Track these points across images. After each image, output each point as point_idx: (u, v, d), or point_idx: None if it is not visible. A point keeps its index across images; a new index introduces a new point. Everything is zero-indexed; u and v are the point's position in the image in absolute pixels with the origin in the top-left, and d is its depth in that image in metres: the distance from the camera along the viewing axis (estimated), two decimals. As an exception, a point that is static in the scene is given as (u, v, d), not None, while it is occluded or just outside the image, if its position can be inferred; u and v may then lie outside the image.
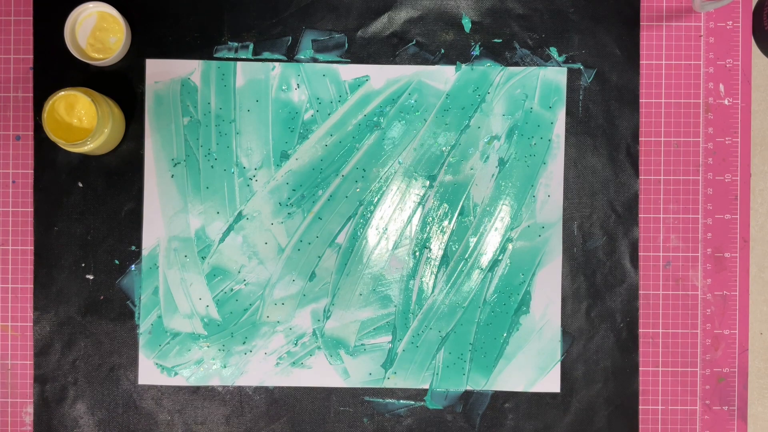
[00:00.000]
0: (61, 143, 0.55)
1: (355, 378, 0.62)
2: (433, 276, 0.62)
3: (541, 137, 0.62)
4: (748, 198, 0.62)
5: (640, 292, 0.62)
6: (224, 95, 0.61)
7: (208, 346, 0.61)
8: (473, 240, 0.62)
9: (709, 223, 0.62)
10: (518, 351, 0.62)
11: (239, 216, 0.61)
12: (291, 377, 0.61)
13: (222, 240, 0.61)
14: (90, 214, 0.61)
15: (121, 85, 0.61)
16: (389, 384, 0.62)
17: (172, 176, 0.61)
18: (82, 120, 0.56)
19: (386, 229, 0.62)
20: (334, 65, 0.62)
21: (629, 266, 0.62)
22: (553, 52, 0.62)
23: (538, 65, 0.62)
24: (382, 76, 0.62)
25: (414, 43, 0.62)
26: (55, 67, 0.61)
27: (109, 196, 0.61)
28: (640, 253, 0.62)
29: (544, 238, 0.62)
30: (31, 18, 0.61)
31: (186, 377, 0.61)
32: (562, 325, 0.62)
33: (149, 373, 0.61)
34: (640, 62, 0.62)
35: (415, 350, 0.62)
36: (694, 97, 0.62)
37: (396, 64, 0.62)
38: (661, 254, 0.62)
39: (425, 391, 0.62)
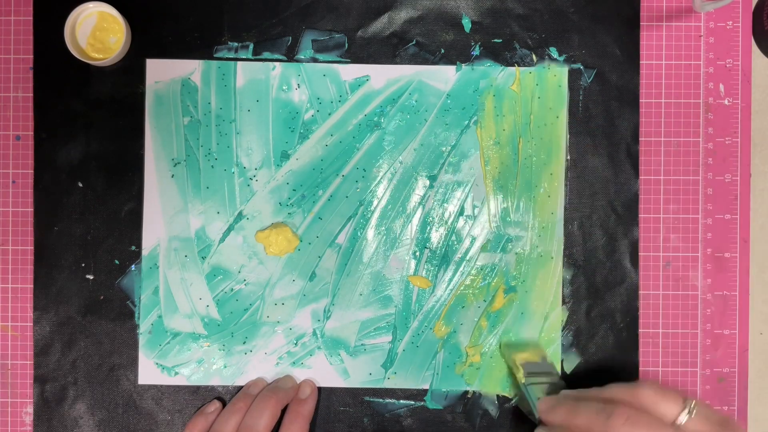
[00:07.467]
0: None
1: (355, 378, 0.62)
2: (434, 276, 0.62)
3: (542, 137, 0.62)
4: (748, 198, 0.62)
5: (640, 292, 0.62)
6: (224, 95, 0.61)
7: (208, 346, 0.61)
8: (473, 240, 0.62)
9: (709, 223, 0.62)
10: (518, 351, 0.62)
11: (239, 216, 0.61)
12: (291, 377, 0.61)
13: (222, 240, 0.61)
14: (90, 214, 0.61)
15: (121, 85, 0.61)
16: (389, 384, 0.62)
17: (173, 176, 0.61)
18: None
19: (386, 229, 0.62)
20: (335, 65, 0.62)
21: (629, 266, 0.62)
22: (553, 52, 0.62)
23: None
24: (382, 76, 0.62)
25: (414, 43, 0.62)
26: (55, 67, 0.61)
27: (109, 196, 0.61)
28: (640, 253, 0.62)
29: (544, 238, 0.62)
30: (31, 18, 0.61)
31: (186, 377, 0.61)
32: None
33: (149, 372, 0.61)
34: (640, 62, 0.62)
35: (415, 350, 0.62)
36: (694, 97, 0.62)
37: (396, 64, 0.62)
38: (661, 254, 0.62)
39: (425, 391, 0.62)
